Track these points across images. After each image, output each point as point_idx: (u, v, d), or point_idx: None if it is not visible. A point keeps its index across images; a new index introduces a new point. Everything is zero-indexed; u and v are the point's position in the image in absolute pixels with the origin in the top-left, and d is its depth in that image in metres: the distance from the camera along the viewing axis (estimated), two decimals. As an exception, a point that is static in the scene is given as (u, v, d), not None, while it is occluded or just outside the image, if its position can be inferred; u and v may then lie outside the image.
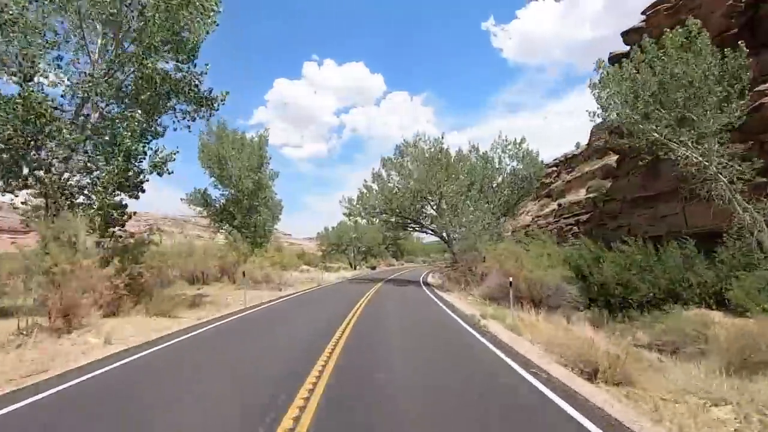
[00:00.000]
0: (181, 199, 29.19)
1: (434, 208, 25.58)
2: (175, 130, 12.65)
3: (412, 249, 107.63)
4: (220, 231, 29.70)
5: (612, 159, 33.95)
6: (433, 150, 24.62)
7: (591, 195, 31.58)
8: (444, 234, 26.63)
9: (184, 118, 12.29)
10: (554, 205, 38.45)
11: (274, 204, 45.69)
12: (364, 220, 28.36)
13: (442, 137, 24.72)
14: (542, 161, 27.17)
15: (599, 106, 15.77)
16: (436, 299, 17.09)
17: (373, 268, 68.78)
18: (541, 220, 38.53)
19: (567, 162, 43.41)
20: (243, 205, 28.81)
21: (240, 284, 17.69)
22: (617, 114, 14.85)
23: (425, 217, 27.38)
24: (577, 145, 46.29)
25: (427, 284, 27.46)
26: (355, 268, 69.22)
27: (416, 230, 28.49)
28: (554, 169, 44.83)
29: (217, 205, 29.68)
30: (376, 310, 12.97)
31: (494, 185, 28.08)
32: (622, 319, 16.10)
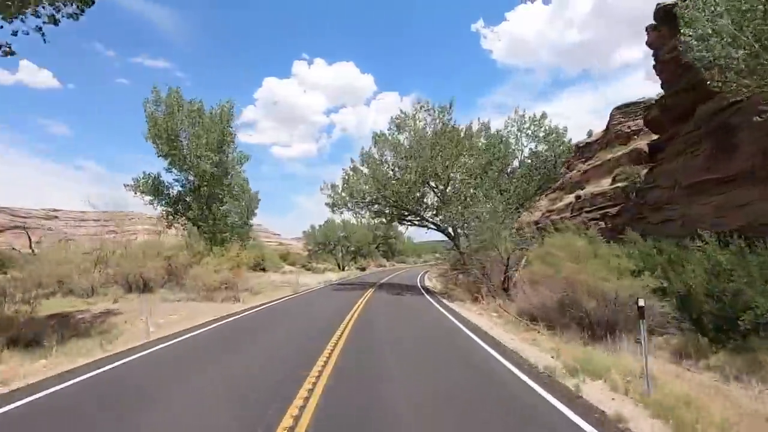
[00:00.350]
0: (125, 186, 23.50)
1: (439, 195, 20.40)
2: (15, 34, 7.28)
3: (404, 249, 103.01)
4: (174, 225, 24.08)
5: (642, 142, 29.36)
6: (438, 121, 19.44)
7: (620, 184, 26.82)
8: (450, 228, 21.51)
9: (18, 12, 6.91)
10: (570, 198, 33.70)
11: (250, 196, 40.23)
12: (350, 213, 23.17)
13: (450, 106, 19.61)
14: (570, 140, 22.26)
15: (692, 37, 10.75)
16: (453, 319, 11.95)
17: (363, 269, 63.61)
18: (554, 215, 33.74)
19: (580, 151, 38.73)
20: (201, 193, 23.32)
21: (137, 301, 12.32)
22: (729, 42, 9.83)
23: (425, 208, 22.26)
24: (590, 134, 41.73)
25: (428, 291, 22.33)
26: (343, 269, 64.16)
27: (414, 224, 23.50)
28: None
29: (171, 193, 24.11)
30: (364, 351, 7.73)
31: (509, 170, 23.10)
32: (723, 348, 11.18)
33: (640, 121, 33.78)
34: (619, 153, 30.80)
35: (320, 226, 72.34)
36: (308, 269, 62.66)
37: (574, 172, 36.99)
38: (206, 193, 23.36)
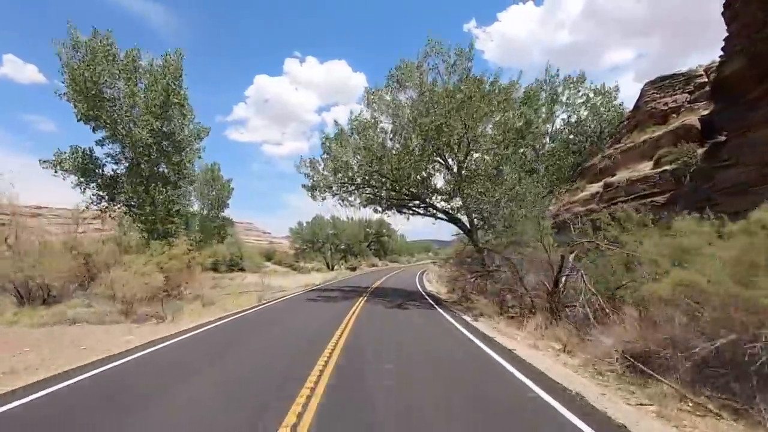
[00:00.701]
0: (41, 162, 17.92)
1: (455, 170, 15.10)
2: None
3: (397, 248, 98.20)
4: (105, 211, 18.51)
5: (691, 117, 24.59)
6: (456, 68, 14.13)
7: (668, 167, 21.92)
8: (465, 218, 16.37)
9: None
10: (595, 188, 28.74)
11: (221, 185, 34.74)
12: (336, 199, 17.74)
13: (471, 48, 14.25)
14: (622, 104, 17.31)
15: None
16: (505, 363, 6.84)
17: (353, 269, 58.42)
18: (577, 207, 28.71)
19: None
20: (141, 171, 17.85)
21: None
22: None
23: (433, 191, 17.04)
24: (610, 117, 36.84)
25: (437, 301, 17.17)
26: (332, 269, 59.08)
27: (418, 213, 18.18)
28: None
29: (105, 172, 18.58)
30: None
31: (538, 145, 18.11)
32: None
33: (680, 96, 29.07)
34: (659, 132, 25.88)
35: (307, 222, 67.37)
36: (294, 269, 57.42)
37: (597, 158, 32.10)
38: (146, 171, 17.89)
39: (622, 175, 27.04)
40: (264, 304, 15.45)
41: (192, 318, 12.28)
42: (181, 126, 19.37)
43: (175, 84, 17.54)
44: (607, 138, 17.90)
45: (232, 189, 34.31)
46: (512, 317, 13.76)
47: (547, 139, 18.65)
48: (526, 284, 13.53)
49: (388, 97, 15.90)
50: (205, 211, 33.88)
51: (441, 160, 15.58)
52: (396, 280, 33.10)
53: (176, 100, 17.75)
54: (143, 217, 17.11)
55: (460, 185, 13.97)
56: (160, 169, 18.25)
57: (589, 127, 17.24)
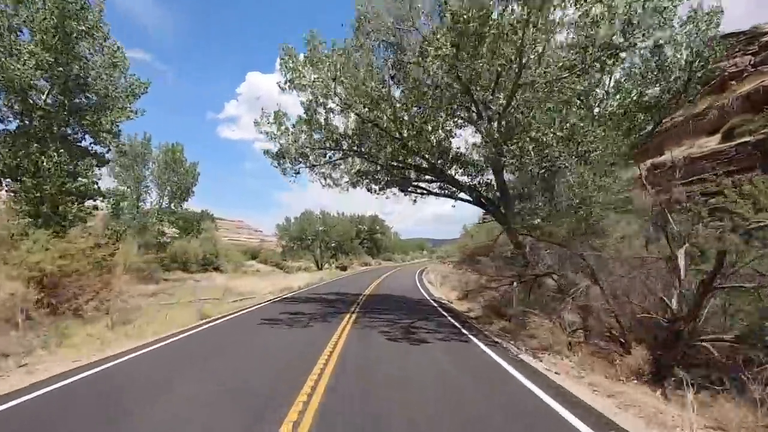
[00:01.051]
0: None
1: (487, 125, 9.60)
2: None
3: (391, 246, 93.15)
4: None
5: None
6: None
7: (749, 138, 17.06)
8: (500, 196, 11.18)
9: None
10: (637, 170, 23.78)
11: (185, 169, 29.13)
12: (314, 174, 12.41)
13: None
14: (718, 34, 12.23)
15: None
16: None
17: (344, 268, 53.12)
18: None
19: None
20: (33, 131, 12.35)
21: None
22: None
23: (452, 160, 11.79)
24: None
25: (460, 319, 11.90)
26: (321, 268, 53.89)
27: (429, 191, 12.82)
28: (610, 125, 30.07)
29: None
30: None
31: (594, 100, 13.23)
32: None
33: (741, 59, 24.34)
34: (722, 101, 20.98)
35: (296, 218, 62.12)
36: (280, 268, 52.12)
37: (632, 137, 27.11)
38: (40, 131, 12.41)
39: (675, 153, 22.10)
40: (201, 326, 10.07)
41: (51, 361, 6.93)
42: (109, 77, 14.02)
43: (77, 2, 12.06)
44: (697, 85, 12.83)
45: (198, 174, 28.70)
46: (579, 344, 8.80)
47: (603, 94, 13.65)
48: (609, 299, 8.40)
49: (390, 20, 10.60)
50: (166, 200, 28.24)
51: (468, 106, 10.20)
52: (394, 282, 27.86)
53: (81, 27, 12.26)
54: (24, 194, 11.61)
55: (507, 138, 8.63)
56: (60, 129, 12.78)
57: (672, 70, 12.14)
